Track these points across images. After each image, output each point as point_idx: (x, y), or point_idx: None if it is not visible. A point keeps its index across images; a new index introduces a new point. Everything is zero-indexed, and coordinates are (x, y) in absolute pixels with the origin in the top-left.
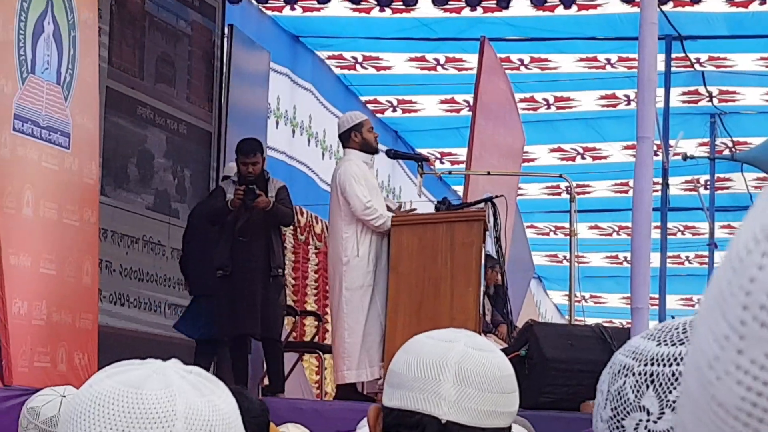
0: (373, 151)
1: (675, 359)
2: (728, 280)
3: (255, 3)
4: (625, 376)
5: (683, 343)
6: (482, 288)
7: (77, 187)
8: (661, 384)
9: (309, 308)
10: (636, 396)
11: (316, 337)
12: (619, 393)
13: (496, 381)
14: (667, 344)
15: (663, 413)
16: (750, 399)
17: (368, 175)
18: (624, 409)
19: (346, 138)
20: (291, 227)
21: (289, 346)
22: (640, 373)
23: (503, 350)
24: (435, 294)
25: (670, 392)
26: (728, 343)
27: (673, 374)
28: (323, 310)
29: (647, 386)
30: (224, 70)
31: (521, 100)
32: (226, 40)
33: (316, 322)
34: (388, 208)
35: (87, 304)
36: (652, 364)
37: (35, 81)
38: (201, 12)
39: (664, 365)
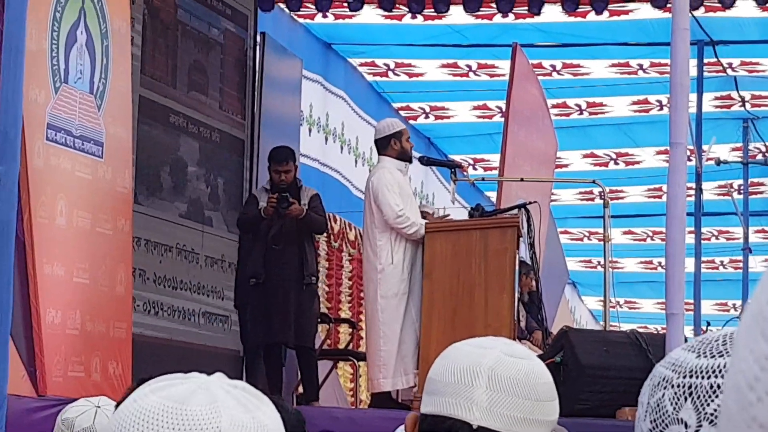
0: (408, 159)
1: (714, 372)
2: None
3: (287, 11)
4: (664, 388)
5: (722, 356)
6: (516, 294)
7: (110, 196)
8: (699, 396)
9: (343, 315)
10: (674, 408)
11: (350, 345)
12: (658, 405)
13: (530, 388)
14: (706, 356)
15: (701, 426)
16: None
17: (402, 182)
18: (663, 421)
19: (384, 145)
20: (324, 234)
21: (323, 353)
22: (678, 386)
23: (538, 357)
24: (469, 301)
25: (708, 405)
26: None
27: (712, 387)
28: (357, 318)
29: (685, 398)
30: (257, 78)
31: (554, 106)
32: (258, 48)
33: (351, 330)
34: (425, 215)
35: (121, 313)
36: (691, 377)
37: (68, 90)
38: (233, 20)
39: (703, 377)
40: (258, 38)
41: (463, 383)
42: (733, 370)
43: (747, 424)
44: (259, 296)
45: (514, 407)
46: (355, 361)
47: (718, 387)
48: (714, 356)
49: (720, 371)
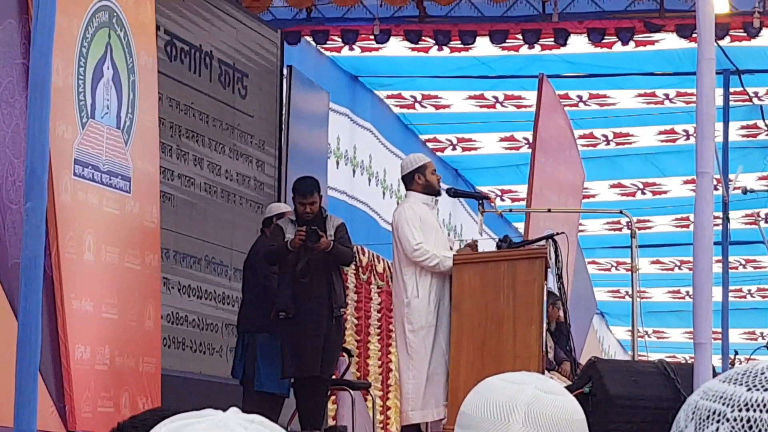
0: (436, 192)
1: None
2: None
3: (313, 44)
4: (717, 421)
5: None
6: (545, 326)
7: (138, 230)
8: (760, 430)
9: (372, 348)
10: None
11: (358, 375)
12: None
13: (566, 424)
14: (758, 389)
15: None
16: None
17: (426, 216)
18: None
19: (409, 180)
20: (353, 266)
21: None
22: (735, 419)
23: (567, 387)
24: (498, 332)
25: None
26: None
27: None
28: (386, 350)
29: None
30: (284, 111)
31: (580, 137)
32: (285, 81)
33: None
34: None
35: (150, 348)
36: (747, 410)
37: (95, 126)
38: (260, 53)
39: (762, 410)
40: (285, 71)
41: (499, 419)
42: None
43: None
44: (290, 329)
45: None
46: (350, 391)
47: None
48: (767, 390)
49: None
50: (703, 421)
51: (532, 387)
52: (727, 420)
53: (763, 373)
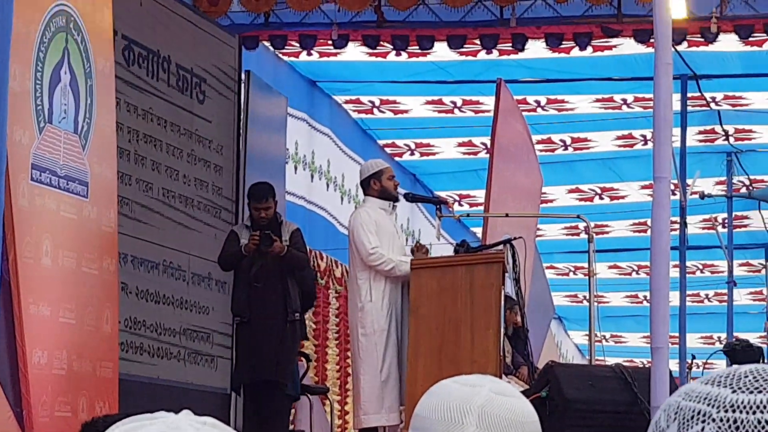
0: (392, 198)
1: (758, 407)
2: None
3: (272, 49)
4: (703, 422)
5: (761, 392)
6: (502, 330)
7: (96, 235)
8: (747, 430)
9: (330, 352)
10: None
11: (316, 380)
12: None
13: (519, 426)
14: (743, 391)
15: None
16: None
17: (382, 221)
18: None
19: (366, 185)
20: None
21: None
22: (722, 419)
23: (524, 392)
24: (455, 336)
25: None
26: None
27: (760, 422)
28: (344, 354)
29: None
30: (242, 117)
31: (538, 142)
32: (243, 86)
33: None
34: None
35: (107, 353)
36: (734, 411)
37: (52, 131)
38: (218, 58)
39: (748, 412)
40: (243, 76)
41: (453, 421)
42: None
43: None
44: (245, 334)
45: None
46: (308, 395)
47: (766, 422)
48: (752, 392)
49: (765, 406)
50: (688, 421)
51: (486, 389)
52: (713, 420)
53: (746, 376)
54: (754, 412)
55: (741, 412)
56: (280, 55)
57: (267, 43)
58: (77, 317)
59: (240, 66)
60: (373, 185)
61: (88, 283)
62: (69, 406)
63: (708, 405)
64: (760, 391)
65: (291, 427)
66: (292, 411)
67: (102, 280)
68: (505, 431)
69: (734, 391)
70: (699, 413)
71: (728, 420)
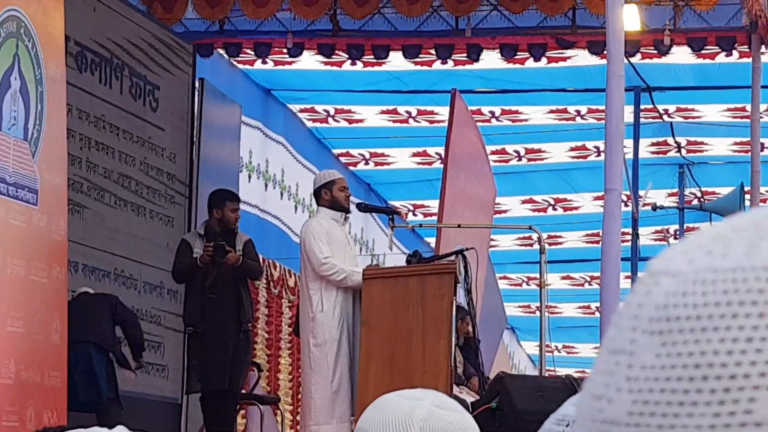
0: (343, 209)
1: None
2: (616, 326)
3: (226, 56)
4: None
5: None
6: (454, 340)
7: (45, 243)
8: None
9: (282, 362)
10: None
11: (268, 389)
12: None
13: None
14: None
15: None
16: (641, 400)
17: (334, 231)
18: None
19: (317, 195)
20: (264, 280)
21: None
22: None
23: (475, 402)
24: (407, 347)
25: None
26: (618, 367)
27: None
28: (297, 364)
29: None
30: (196, 125)
31: (492, 152)
32: (197, 93)
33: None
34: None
35: (55, 362)
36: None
37: (2, 137)
38: (172, 65)
39: None
40: (197, 84)
41: None
42: (583, 398)
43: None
44: (198, 345)
45: None
46: (259, 405)
47: None
48: None
49: None
50: None
51: (428, 403)
52: None
53: None
54: None
55: None
56: (235, 63)
57: (221, 51)
58: (25, 326)
59: (194, 74)
60: (324, 195)
61: (37, 291)
62: (17, 416)
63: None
64: None
65: None
66: (243, 421)
67: (51, 288)
68: None
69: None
70: None
71: None
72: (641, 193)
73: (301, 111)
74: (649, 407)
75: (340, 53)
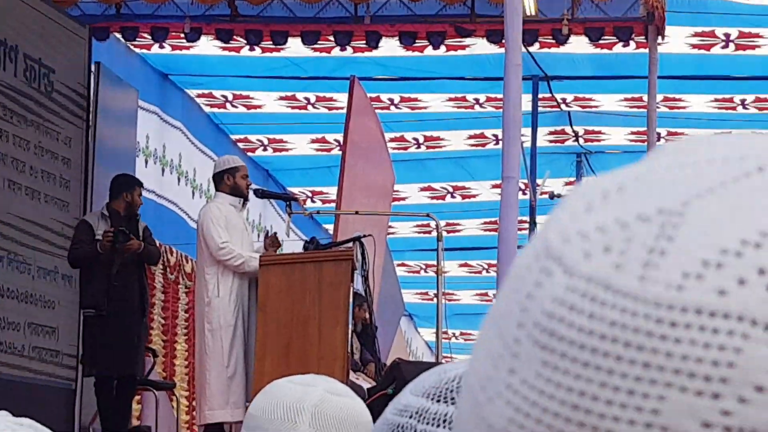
0: (243, 196)
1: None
2: (507, 298)
3: (123, 40)
4: None
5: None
6: (350, 327)
7: None
8: None
9: (179, 348)
10: None
11: (164, 375)
12: None
13: (352, 426)
14: (448, 403)
15: None
16: (518, 421)
17: (232, 217)
18: None
19: (218, 180)
20: (160, 265)
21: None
22: None
23: (371, 389)
24: (303, 333)
25: None
26: (502, 363)
27: None
28: (193, 350)
29: None
30: (92, 109)
31: (391, 140)
32: (93, 77)
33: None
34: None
35: None
36: (437, 425)
37: None
38: (68, 49)
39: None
40: (93, 68)
41: (286, 420)
42: (469, 371)
43: (476, 424)
44: (101, 328)
45: None
46: (154, 391)
47: None
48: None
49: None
50: None
51: (320, 389)
52: None
53: (453, 381)
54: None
55: (443, 426)
56: (132, 47)
57: (118, 35)
58: None
59: (90, 57)
60: (226, 180)
61: None
62: None
63: (452, 430)
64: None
65: (137, 422)
66: (138, 407)
67: None
68: (337, 430)
69: (448, 406)
70: (407, 428)
71: None
72: (539, 181)
73: (199, 96)
74: (525, 431)
75: (239, 39)
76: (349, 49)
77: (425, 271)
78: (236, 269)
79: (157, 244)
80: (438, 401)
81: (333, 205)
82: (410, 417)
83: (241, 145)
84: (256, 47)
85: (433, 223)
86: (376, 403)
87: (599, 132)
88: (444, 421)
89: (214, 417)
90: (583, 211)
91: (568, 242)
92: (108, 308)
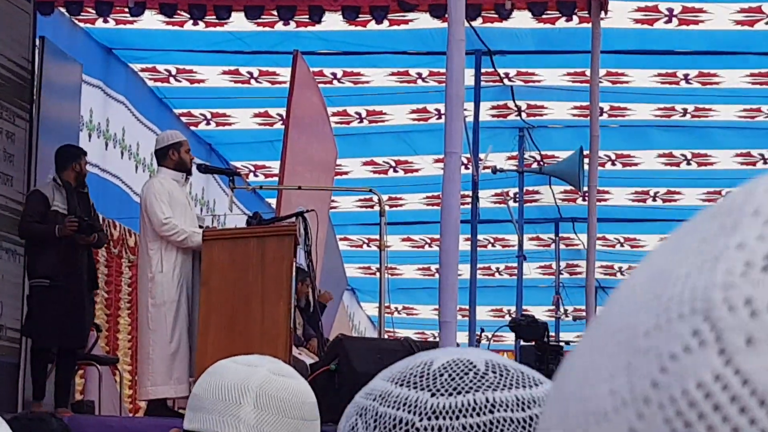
0: (187, 171)
1: (460, 410)
2: (645, 330)
3: (67, 15)
4: (406, 431)
5: (460, 393)
6: (293, 302)
7: None
8: None
9: (122, 322)
10: None
11: (107, 350)
12: None
13: (297, 407)
14: (443, 394)
15: None
16: None
17: (175, 192)
18: None
19: (162, 155)
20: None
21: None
22: (425, 428)
23: (314, 364)
24: (246, 309)
25: None
26: (624, 410)
27: (464, 427)
28: (136, 324)
29: None
30: (36, 83)
31: (334, 114)
32: (37, 51)
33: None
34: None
35: None
36: (436, 418)
37: None
38: (12, 23)
39: (450, 418)
40: (37, 42)
41: (230, 401)
42: (573, 378)
43: None
44: (52, 299)
45: (281, 426)
46: (97, 366)
47: (471, 426)
48: (452, 394)
49: (466, 409)
50: (390, 430)
51: (265, 369)
52: (417, 429)
53: (441, 375)
54: (457, 417)
55: (444, 418)
56: (76, 22)
57: (62, 9)
58: None
59: (34, 32)
60: (171, 155)
61: None
62: None
63: (409, 412)
64: (459, 393)
65: (80, 397)
66: (81, 381)
67: None
68: (282, 411)
69: (433, 395)
70: (401, 422)
71: (432, 428)
72: (481, 156)
73: (143, 70)
74: None
75: (182, 13)
76: (292, 24)
77: (368, 246)
78: (179, 245)
79: (101, 219)
80: (401, 385)
81: (276, 179)
82: (374, 400)
83: (184, 119)
84: (199, 21)
85: (375, 198)
86: (319, 379)
87: (542, 107)
88: (404, 404)
89: (157, 393)
90: (760, 270)
91: (733, 312)
92: (62, 279)
